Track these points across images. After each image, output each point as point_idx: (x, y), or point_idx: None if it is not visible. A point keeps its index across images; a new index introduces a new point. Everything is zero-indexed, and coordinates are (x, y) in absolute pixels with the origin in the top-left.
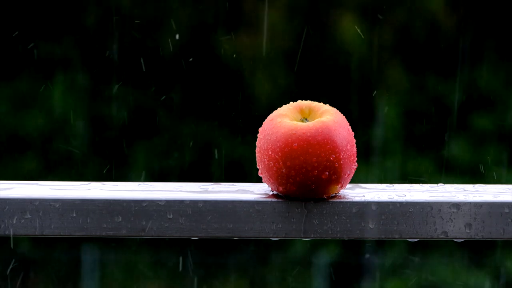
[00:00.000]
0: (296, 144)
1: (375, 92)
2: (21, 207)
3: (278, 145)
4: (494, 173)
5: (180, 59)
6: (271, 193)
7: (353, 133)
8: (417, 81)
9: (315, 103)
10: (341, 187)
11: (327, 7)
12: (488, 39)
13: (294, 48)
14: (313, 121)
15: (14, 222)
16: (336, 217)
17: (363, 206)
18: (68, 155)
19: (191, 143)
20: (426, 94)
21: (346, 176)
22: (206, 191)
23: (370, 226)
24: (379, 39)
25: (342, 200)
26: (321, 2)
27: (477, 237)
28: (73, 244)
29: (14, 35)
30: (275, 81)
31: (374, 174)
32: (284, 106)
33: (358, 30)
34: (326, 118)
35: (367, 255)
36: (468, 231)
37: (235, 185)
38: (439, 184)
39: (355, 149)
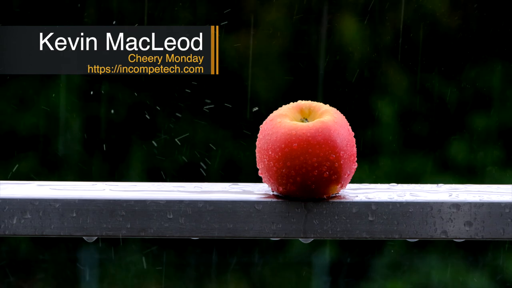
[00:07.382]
0: (296, 144)
1: (374, 92)
2: (21, 207)
3: (278, 145)
4: (494, 173)
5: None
6: (271, 193)
7: (353, 133)
8: (416, 81)
9: (315, 103)
10: (341, 187)
11: (327, 7)
12: (488, 39)
13: (294, 48)
14: (313, 121)
15: (14, 222)
16: (336, 217)
17: (363, 206)
18: (67, 155)
19: (190, 144)
20: (425, 94)
21: (346, 176)
22: (206, 191)
23: (370, 226)
24: (379, 38)
25: (342, 200)
26: (321, 2)
27: (477, 237)
28: (73, 244)
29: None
30: (274, 81)
31: (374, 174)
32: (284, 106)
33: (358, 30)
34: (326, 118)
35: (367, 255)
36: (468, 231)
37: (235, 185)
38: (439, 184)
39: (355, 149)
